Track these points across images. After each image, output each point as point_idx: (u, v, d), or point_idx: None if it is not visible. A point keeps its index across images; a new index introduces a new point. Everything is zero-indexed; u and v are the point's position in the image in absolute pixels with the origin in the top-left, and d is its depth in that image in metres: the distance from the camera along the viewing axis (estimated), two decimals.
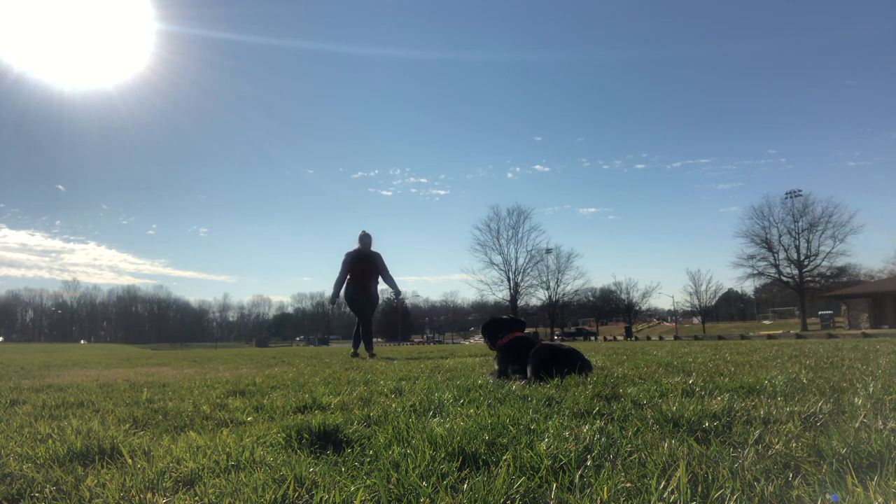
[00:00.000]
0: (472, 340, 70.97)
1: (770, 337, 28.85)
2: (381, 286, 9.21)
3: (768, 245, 55.94)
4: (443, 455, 1.45)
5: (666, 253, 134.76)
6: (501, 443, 1.55)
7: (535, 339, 3.75)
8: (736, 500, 1.07)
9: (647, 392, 2.41)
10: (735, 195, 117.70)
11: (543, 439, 1.55)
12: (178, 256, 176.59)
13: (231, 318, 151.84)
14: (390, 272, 9.13)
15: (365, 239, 9.00)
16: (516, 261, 62.74)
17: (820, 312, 59.12)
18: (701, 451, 1.38)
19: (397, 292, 9.47)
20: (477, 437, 1.60)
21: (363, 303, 8.82)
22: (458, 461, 1.40)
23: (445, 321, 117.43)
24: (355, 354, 8.61)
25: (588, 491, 1.15)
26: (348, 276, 8.83)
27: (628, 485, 1.17)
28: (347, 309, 9.43)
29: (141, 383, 4.13)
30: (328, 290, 9.46)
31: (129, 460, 1.55)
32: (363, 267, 8.86)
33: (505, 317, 3.81)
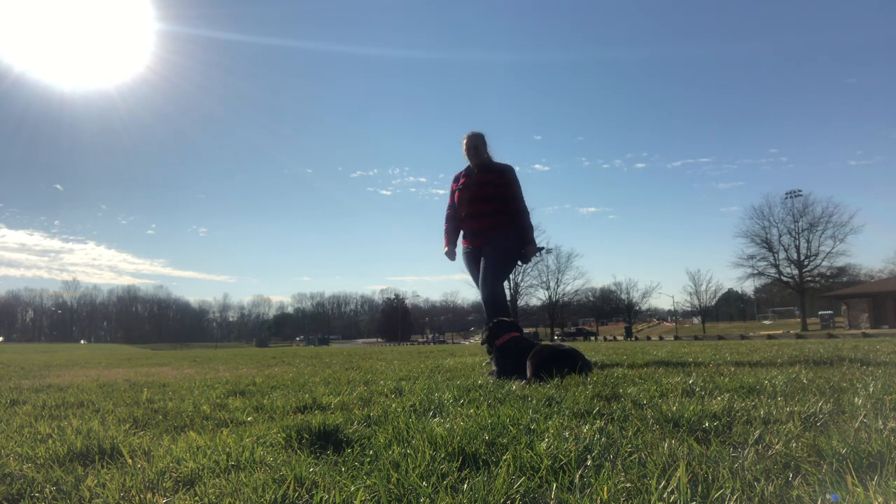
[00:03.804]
0: (471, 340, 70.95)
1: (770, 337, 28.84)
2: None
3: (768, 245, 56.00)
4: (443, 455, 1.45)
5: (666, 253, 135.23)
6: (501, 443, 1.55)
7: (535, 340, 3.80)
8: (736, 500, 1.07)
9: (647, 392, 2.41)
10: (735, 195, 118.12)
11: (543, 439, 1.55)
12: (178, 256, 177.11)
13: (231, 318, 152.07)
14: (526, 207, 4.71)
15: (474, 141, 4.71)
16: None
17: (820, 312, 59.13)
18: (701, 451, 1.38)
19: (534, 248, 4.62)
20: (477, 437, 1.60)
21: (472, 262, 4.80)
22: (458, 461, 1.40)
23: (445, 321, 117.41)
24: None
25: (588, 491, 1.15)
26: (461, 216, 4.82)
27: (628, 485, 1.16)
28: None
29: (141, 383, 4.13)
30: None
31: (129, 460, 1.55)
32: (472, 194, 4.68)
33: (506, 320, 3.78)
